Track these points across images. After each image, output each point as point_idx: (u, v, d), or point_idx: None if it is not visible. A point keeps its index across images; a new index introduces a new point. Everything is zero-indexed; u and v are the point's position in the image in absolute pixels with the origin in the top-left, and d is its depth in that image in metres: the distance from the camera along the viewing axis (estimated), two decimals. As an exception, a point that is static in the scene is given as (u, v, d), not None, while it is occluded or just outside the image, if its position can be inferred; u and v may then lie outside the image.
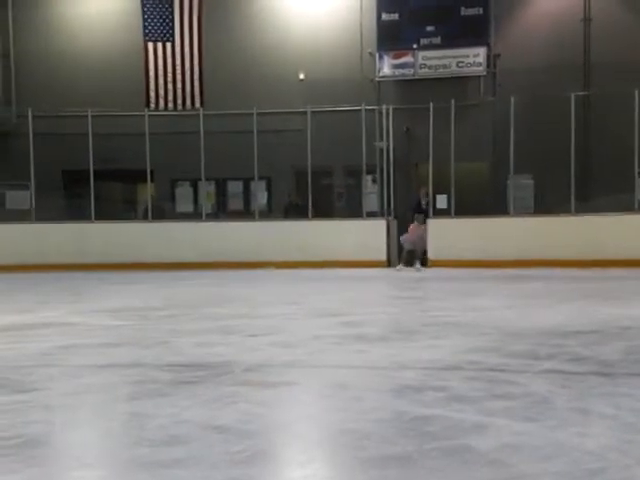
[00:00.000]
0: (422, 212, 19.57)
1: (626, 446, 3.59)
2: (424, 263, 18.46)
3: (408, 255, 18.50)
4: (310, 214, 20.04)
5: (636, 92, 17.73)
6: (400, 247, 18.80)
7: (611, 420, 4.07)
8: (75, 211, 21.24)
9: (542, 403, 4.47)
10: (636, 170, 17.97)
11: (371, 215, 20.27)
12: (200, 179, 20.99)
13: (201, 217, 21.04)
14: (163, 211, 21.96)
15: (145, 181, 21.14)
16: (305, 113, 20.22)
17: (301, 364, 6.01)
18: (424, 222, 18.77)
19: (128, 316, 9.57)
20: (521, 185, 19.82)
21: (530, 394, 4.70)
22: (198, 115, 21.00)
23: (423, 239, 18.65)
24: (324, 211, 20.62)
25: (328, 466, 3.56)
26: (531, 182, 20.16)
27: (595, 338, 6.92)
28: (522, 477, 3.23)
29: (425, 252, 18.63)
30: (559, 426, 3.98)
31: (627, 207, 17.86)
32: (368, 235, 19.52)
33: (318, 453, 3.77)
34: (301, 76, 21.81)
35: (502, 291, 13.05)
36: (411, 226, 18.61)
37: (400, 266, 18.37)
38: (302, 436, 4.05)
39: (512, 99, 18.66)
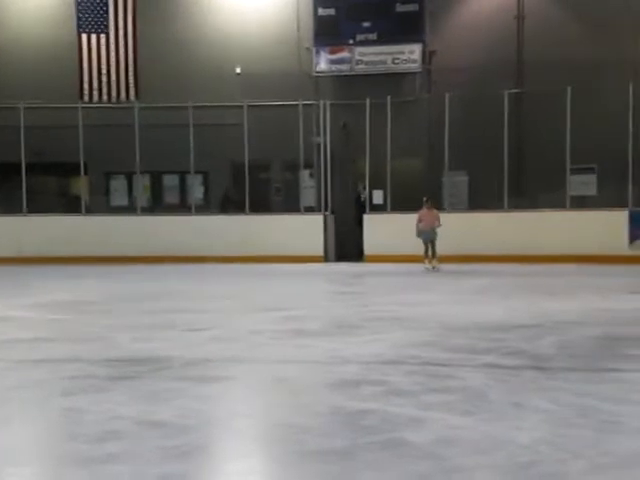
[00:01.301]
0: (362, 207, 19.70)
1: (559, 440, 3.68)
2: None
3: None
4: (247, 208, 19.99)
5: (568, 89, 18.04)
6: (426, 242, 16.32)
7: (545, 414, 4.16)
8: (8, 205, 20.81)
9: (479, 397, 4.56)
10: (568, 167, 18.31)
11: (309, 210, 20.30)
12: (135, 172, 20.76)
13: (136, 211, 20.82)
14: (98, 204, 21.67)
15: (79, 174, 20.83)
16: (242, 107, 20.14)
17: (240, 359, 6.01)
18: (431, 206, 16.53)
19: (65, 311, 9.44)
20: (456, 181, 20.05)
21: (468, 388, 4.79)
22: (133, 107, 20.76)
23: (434, 227, 16.24)
24: (262, 205, 20.57)
25: (265, 461, 3.58)
26: (465, 178, 20.40)
27: (531, 333, 7.06)
28: (457, 470, 3.29)
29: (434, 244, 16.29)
30: (495, 420, 4.07)
31: (559, 203, 18.19)
32: (306, 230, 19.54)
33: (255, 448, 3.78)
34: (238, 70, 21.70)
35: (440, 286, 13.21)
36: (422, 211, 16.43)
37: (429, 264, 16.05)
38: (240, 431, 4.06)
39: (447, 96, 18.86)
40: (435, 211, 16.42)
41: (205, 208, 21.41)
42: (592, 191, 18.79)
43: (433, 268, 15.86)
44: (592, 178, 19.06)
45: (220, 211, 21.26)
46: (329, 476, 3.22)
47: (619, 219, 17.59)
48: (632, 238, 16.50)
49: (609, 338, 6.71)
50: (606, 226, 17.11)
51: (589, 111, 18.03)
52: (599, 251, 16.54)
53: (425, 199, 16.51)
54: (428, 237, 16.15)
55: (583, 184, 18.71)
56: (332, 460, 3.43)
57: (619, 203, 18.06)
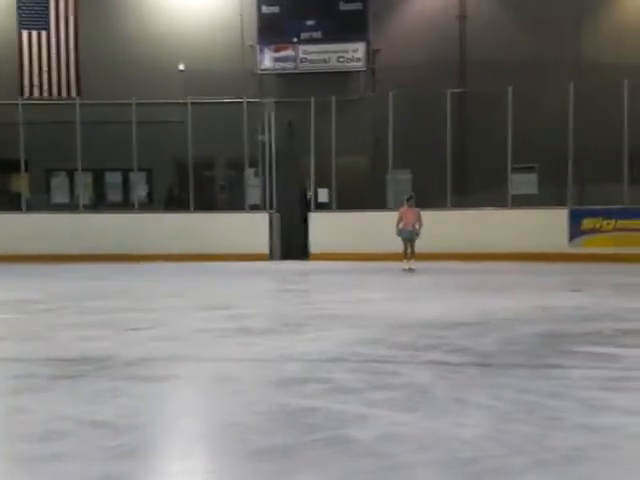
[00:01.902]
0: (308, 205, 19.71)
1: (502, 436, 3.71)
2: None
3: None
4: (192, 206, 19.86)
5: (509, 89, 18.29)
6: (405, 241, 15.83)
7: (488, 410, 4.19)
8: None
9: (422, 394, 4.58)
10: (509, 166, 18.55)
11: (254, 208, 20.26)
12: (77, 169, 20.49)
13: (78, 208, 20.55)
14: (39, 202, 21.35)
15: (19, 171, 20.49)
16: (186, 104, 20.01)
17: (184, 358, 5.96)
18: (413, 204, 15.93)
19: (6, 310, 9.29)
20: (400, 180, 20.17)
21: (411, 385, 4.81)
22: (75, 104, 20.49)
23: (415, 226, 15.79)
24: (206, 204, 20.47)
25: (208, 460, 3.54)
26: (409, 177, 20.53)
27: (475, 329, 7.13)
28: (400, 467, 3.29)
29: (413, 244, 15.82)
30: (438, 416, 4.09)
31: (501, 202, 18.42)
32: (251, 228, 19.49)
33: (199, 447, 3.75)
34: (181, 67, 21.54)
35: (385, 284, 13.28)
36: (403, 209, 15.96)
37: (407, 264, 15.54)
38: (183, 430, 4.02)
39: (390, 95, 18.97)
40: (417, 210, 15.80)
41: (149, 206, 21.24)
42: (533, 190, 19.06)
43: (410, 269, 15.28)
44: (533, 177, 19.35)
45: (164, 209, 21.10)
46: (272, 474, 3.20)
47: (559, 217, 17.89)
48: (572, 236, 16.78)
49: (551, 335, 6.80)
50: (547, 224, 17.37)
51: (530, 110, 18.31)
52: (540, 249, 16.79)
53: (407, 197, 16.00)
54: (408, 236, 15.64)
55: (524, 183, 18.97)
56: (275, 458, 3.41)
57: (559, 202, 18.37)
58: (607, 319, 7.85)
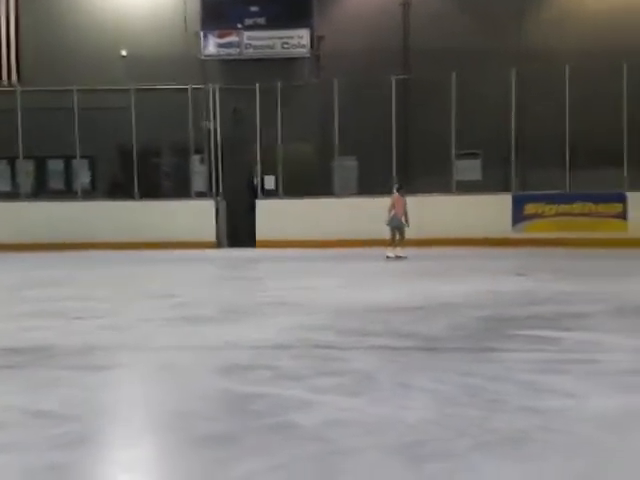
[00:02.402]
0: (255, 192, 19.65)
1: (445, 419, 3.76)
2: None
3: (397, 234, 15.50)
4: (136, 194, 19.66)
5: (453, 76, 18.40)
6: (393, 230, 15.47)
7: (432, 394, 4.24)
8: None
9: (368, 379, 4.60)
10: (453, 152, 18.70)
11: (200, 195, 20.13)
12: (18, 157, 20.13)
13: (19, 197, 20.21)
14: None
15: (-42, 159, 20.10)
16: (129, 91, 19.77)
17: (129, 346, 5.91)
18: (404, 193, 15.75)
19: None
20: (346, 166, 20.21)
21: (357, 370, 4.83)
22: (15, 91, 20.11)
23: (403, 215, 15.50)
24: (151, 191, 20.26)
25: (153, 447, 3.52)
26: (355, 163, 20.59)
27: (420, 314, 7.19)
28: (345, 452, 3.31)
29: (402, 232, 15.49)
30: (383, 401, 4.12)
31: (446, 188, 18.57)
32: (197, 216, 19.37)
33: (144, 435, 3.73)
34: (123, 53, 21.25)
35: (331, 270, 13.31)
36: (395, 197, 15.58)
37: (393, 252, 15.17)
38: (128, 418, 4.00)
39: (335, 81, 18.97)
40: (405, 199, 15.52)
41: (92, 194, 20.96)
42: (477, 176, 19.26)
43: (396, 257, 14.93)
44: (477, 163, 19.56)
45: (108, 197, 20.84)
46: (217, 461, 3.20)
47: (503, 203, 18.11)
48: (515, 221, 17.01)
49: (495, 319, 6.89)
50: (490, 210, 17.57)
51: (474, 97, 18.47)
52: (484, 234, 16.99)
53: (398, 186, 15.85)
54: (397, 224, 15.33)
55: (468, 169, 19.17)
56: (220, 445, 3.41)
57: (503, 187, 18.59)
58: (549, 303, 7.98)
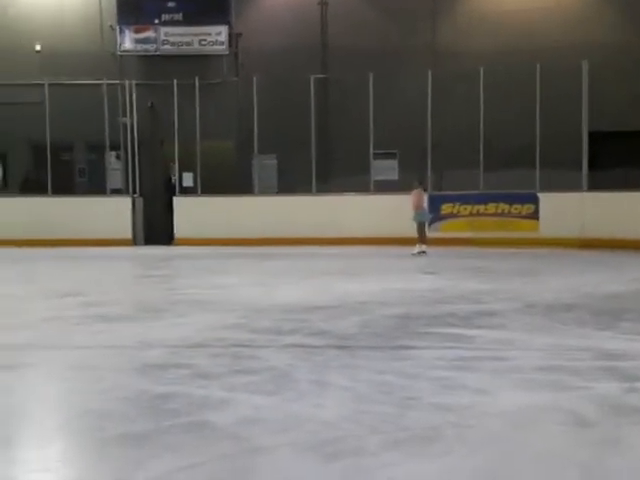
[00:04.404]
0: (172, 190, 19.47)
1: (360, 416, 3.80)
2: None
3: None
4: (50, 190, 19.27)
5: (370, 75, 18.52)
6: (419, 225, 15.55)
7: (347, 391, 4.29)
8: None
9: (283, 377, 4.63)
10: (371, 152, 18.85)
11: (116, 192, 19.83)
12: None
13: None
14: None
15: None
16: (43, 85, 19.35)
17: (39, 346, 5.80)
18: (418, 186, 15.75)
19: None
20: (265, 165, 20.19)
21: (272, 368, 4.85)
22: None
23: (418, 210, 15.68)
24: (65, 188, 19.86)
25: (65, 448, 3.48)
26: (275, 162, 20.57)
27: (335, 313, 7.24)
28: (259, 450, 3.33)
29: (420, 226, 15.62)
30: (297, 398, 4.15)
31: (363, 188, 18.70)
32: (113, 213, 19.08)
33: (55, 435, 3.67)
34: (37, 47, 20.76)
35: (248, 269, 13.29)
36: (415, 192, 15.60)
37: (421, 248, 15.22)
38: (38, 419, 3.94)
39: (254, 79, 18.92)
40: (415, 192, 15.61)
41: (3, 190, 20.48)
42: (394, 175, 19.44)
43: (421, 252, 15.07)
44: (394, 163, 19.75)
45: (20, 193, 20.35)
46: (129, 461, 3.17)
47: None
48: (431, 221, 17.19)
49: (407, 317, 6.99)
50: (407, 210, 17.75)
51: (391, 98, 18.66)
52: (400, 234, 17.09)
53: (418, 182, 15.79)
54: (416, 219, 15.50)
55: (386, 169, 19.34)
56: (133, 444, 3.38)
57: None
58: (461, 301, 8.13)
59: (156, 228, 19.78)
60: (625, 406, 3.99)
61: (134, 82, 19.57)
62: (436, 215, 17.82)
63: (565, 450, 3.32)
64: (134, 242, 19.21)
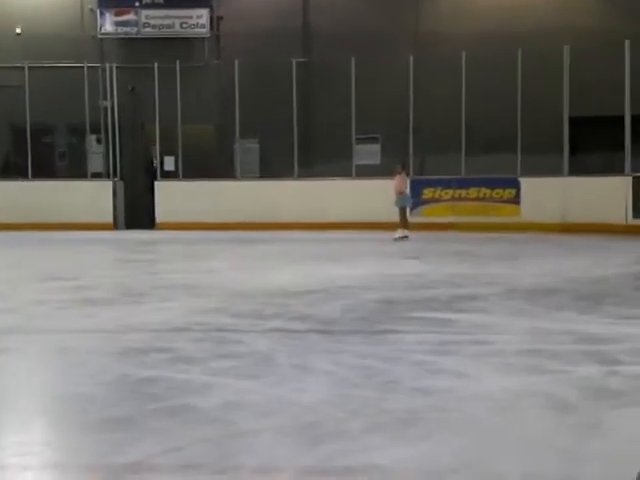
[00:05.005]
0: (154, 173, 19.38)
1: (341, 400, 3.82)
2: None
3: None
4: (30, 174, 19.14)
5: (352, 59, 18.48)
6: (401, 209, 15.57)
7: (328, 375, 4.31)
8: None
9: (265, 361, 4.65)
10: (353, 136, 18.84)
11: (96, 176, 19.72)
12: None
13: None
14: None
15: None
16: (23, 68, 19.20)
17: (23, 330, 5.79)
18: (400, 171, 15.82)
19: None
20: (247, 149, 20.12)
21: (254, 353, 4.87)
22: None
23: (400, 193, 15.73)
24: (46, 171, 19.73)
25: (47, 432, 3.49)
26: (257, 146, 20.50)
27: (317, 297, 7.26)
28: (242, 434, 3.34)
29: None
30: (280, 383, 4.16)
31: (346, 172, 18.70)
32: (94, 197, 18.99)
33: (38, 419, 3.67)
34: (18, 30, 20.55)
35: (230, 253, 13.29)
36: (398, 177, 15.71)
37: (403, 233, 15.18)
38: (21, 403, 3.93)
39: (236, 62, 18.83)
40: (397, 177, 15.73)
41: (-17, 173, 20.33)
42: (376, 160, 19.40)
43: (403, 237, 15.03)
44: (376, 147, 19.71)
45: (1, 177, 20.21)
46: (112, 444, 3.17)
47: (401, 187, 18.31)
48: (413, 205, 17.22)
49: (390, 302, 7.02)
50: (389, 194, 17.77)
51: (373, 82, 18.61)
52: (383, 218, 17.15)
53: (400, 166, 15.83)
54: (398, 204, 15.51)
55: (368, 153, 19.31)
56: (115, 428, 3.39)
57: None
58: (443, 286, 8.17)
59: (137, 212, 19.71)
60: (605, 389, 4.03)
61: (115, 65, 19.42)
62: (418, 200, 17.84)
63: (545, 433, 3.35)
64: (115, 226, 19.14)
